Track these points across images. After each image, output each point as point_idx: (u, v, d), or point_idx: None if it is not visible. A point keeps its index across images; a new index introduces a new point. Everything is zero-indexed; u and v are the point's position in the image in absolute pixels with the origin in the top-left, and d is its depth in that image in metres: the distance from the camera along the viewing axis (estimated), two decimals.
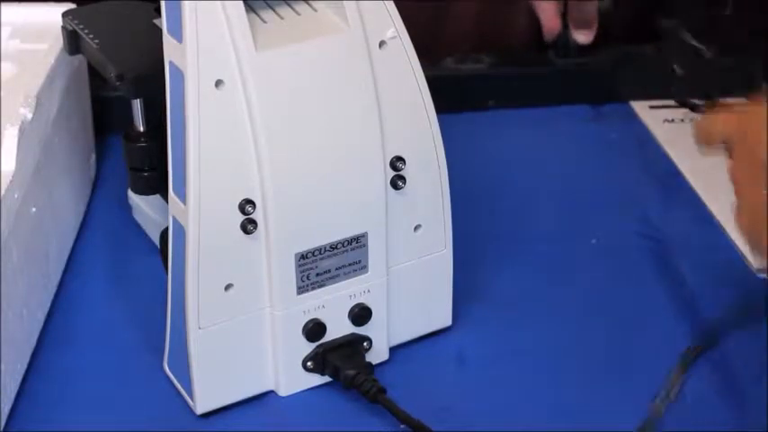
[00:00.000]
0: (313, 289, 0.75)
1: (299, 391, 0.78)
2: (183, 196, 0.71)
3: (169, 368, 0.78)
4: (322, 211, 0.73)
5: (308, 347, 0.76)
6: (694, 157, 1.00)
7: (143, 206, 0.89)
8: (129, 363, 0.80)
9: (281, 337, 0.75)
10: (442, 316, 0.82)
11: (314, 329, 0.76)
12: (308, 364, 0.77)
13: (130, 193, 0.91)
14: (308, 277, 0.75)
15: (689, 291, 0.86)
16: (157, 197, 0.86)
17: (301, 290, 0.75)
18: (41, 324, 0.82)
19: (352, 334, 0.77)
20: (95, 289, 0.87)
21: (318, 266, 0.75)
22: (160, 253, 0.82)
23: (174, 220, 0.73)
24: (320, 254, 0.74)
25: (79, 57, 0.87)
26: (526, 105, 1.07)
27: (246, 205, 0.71)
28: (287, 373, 0.77)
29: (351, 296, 0.77)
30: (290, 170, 0.72)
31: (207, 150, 0.70)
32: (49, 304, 0.84)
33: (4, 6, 0.92)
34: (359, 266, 0.76)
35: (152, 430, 0.75)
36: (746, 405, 0.76)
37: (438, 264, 0.80)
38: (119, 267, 0.88)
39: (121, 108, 0.86)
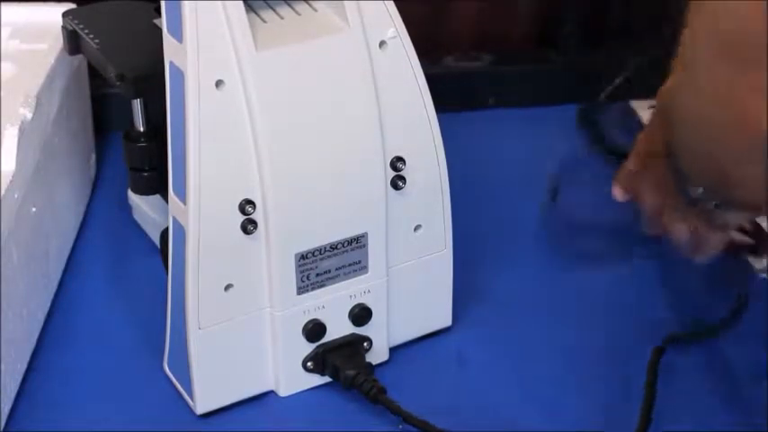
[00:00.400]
0: (313, 289, 0.75)
1: (299, 391, 0.78)
2: (182, 196, 0.71)
3: (169, 368, 0.78)
4: (322, 211, 0.73)
5: (308, 348, 0.76)
6: None
7: (143, 206, 0.89)
8: (129, 363, 0.80)
9: (281, 338, 0.75)
10: (441, 316, 0.82)
11: (314, 330, 0.76)
12: (308, 364, 0.77)
13: (130, 193, 0.91)
14: (308, 277, 0.75)
15: (689, 291, 0.86)
16: (157, 197, 0.86)
17: (301, 290, 0.75)
18: (41, 324, 0.82)
19: (353, 334, 0.77)
20: (95, 289, 0.87)
21: (318, 267, 0.75)
22: (160, 253, 0.82)
23: (174, 220, 0.73)
24: (320, 254, 0.74)
25: (79, 57, 0.87)
26: (526, 104, 1.07)
27: (246, 205, 0.71)
28: (287, 373, 0.77)
29: (351, 296, 0.77)
30: (290, 170, 0.72)
31: (207, 150, 0.70)
32: (48, 304, 0.84)
33: (4, 6, 0.92)
34: (359, 267, 0.76)
35: (152, 430, 0.75)
36: (746, 405, 0.76)
37: (438, 264, 0.80)
38: (119, 267, 0.88)
39: (121, 105, 0.86)
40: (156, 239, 0.85)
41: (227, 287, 0.73)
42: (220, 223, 0.71)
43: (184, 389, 0.76)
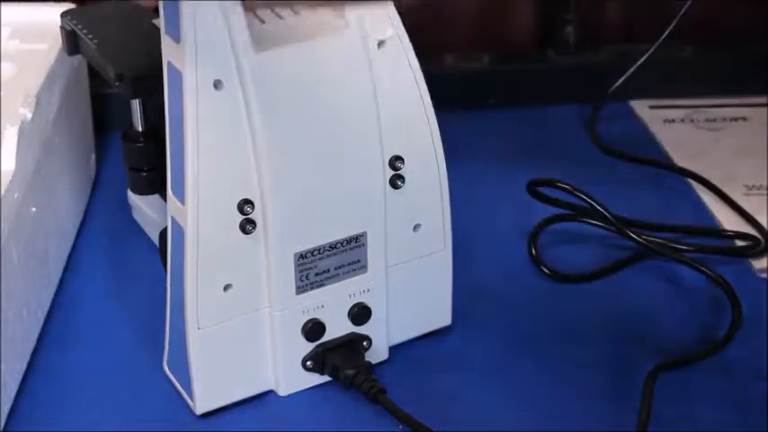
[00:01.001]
0: (312, 289, 0.75)
1: (298, 390, 0.78)
2: (181, 196, 0.71)
3: (169, 368, 0.78)
4: (321, 210, 0.73)
5: (308, 347, 0.76)
6: (694, 157, 1.01)
7: (143, 206, 0.89)
8: (129, 363, 0.80)
9: (281, 337, 0.75)
10: (441, 315, 0.82)
11: (313, 329, 0.76)
12: (308, 363, 0.77)
13: (130, 193, 0.91)
14: (307, 277, 0.75)
15: (690, 291, 0.86)
16: (157, 197, 0.86)
17: (300, 289, 0.75)
18: (41, 323, 0.82)
19: (352, 333, 0.77)
20: (95, 288, 0.87)
21: (317, 266, 0.75)
22: (159, 253, 0.82)
23: (173, 220, 0.73)
24: (319, 253, 0.74)
25: (79, 56, 0.87)
26: (526, 104, 1.07)
27: (245, 205, 0.71)
28: (286, 372, 0.77)
29: (350, 295, 0.77)
30: (289, 170, 0.72)
31: (205, 151, 0.70)
32: (49, 304, 0.84)
33: (4, 6, 0.92)
34: (358, 266, 0.76)
35: (152, 430, 0.75)
36: (746, 405, 0.76)
37: (437, 263, 0.80)
38: (119, 267, 0.89)
39: (121, 105, 0.86)
40: (156, 239, 0.85)
41: (226, 287, 0.73)
42: (219, 223, 0.71)
43: (184, 389, 0.76)
